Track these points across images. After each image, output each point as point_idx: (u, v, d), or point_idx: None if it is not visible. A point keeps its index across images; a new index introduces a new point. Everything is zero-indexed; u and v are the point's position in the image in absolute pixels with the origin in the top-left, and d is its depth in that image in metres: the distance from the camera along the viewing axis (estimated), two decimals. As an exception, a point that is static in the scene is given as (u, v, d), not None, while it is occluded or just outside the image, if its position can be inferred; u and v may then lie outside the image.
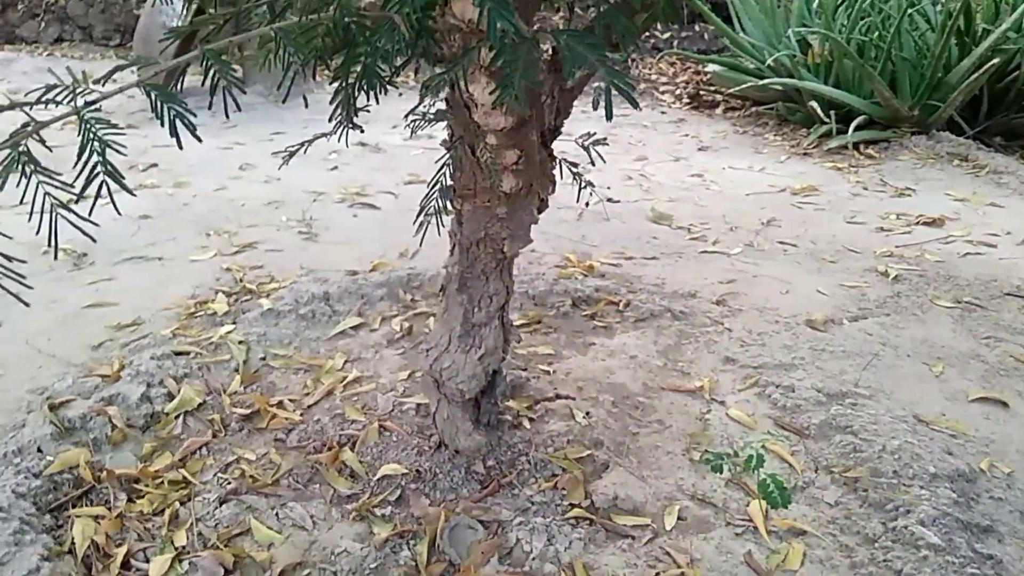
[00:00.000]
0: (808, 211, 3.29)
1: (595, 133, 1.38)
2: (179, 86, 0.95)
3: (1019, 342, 2.14)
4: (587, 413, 1.72)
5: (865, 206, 3.36)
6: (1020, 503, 1.52)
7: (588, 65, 0.76)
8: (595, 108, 0.82)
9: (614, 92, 0.77)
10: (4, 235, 0.83)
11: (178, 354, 1.91)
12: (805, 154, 4.22)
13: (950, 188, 3.60)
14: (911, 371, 1.98)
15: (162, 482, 1.51)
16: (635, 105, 0.73)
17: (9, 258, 0.81)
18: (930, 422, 1.75)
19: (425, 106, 1.20)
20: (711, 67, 5.33)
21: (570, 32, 0.78)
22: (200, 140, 0.83)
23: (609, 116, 0.74)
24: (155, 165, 3.64)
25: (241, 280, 2.37)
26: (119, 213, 0.86)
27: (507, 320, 1.46)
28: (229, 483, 1.51)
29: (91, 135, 0.80)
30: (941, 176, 3.80)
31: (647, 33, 6.08)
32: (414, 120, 1.15)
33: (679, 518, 1.44)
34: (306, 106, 1.12)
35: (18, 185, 0.81)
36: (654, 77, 6.01)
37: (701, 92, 5.53)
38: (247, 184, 3.44)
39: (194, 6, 1.12)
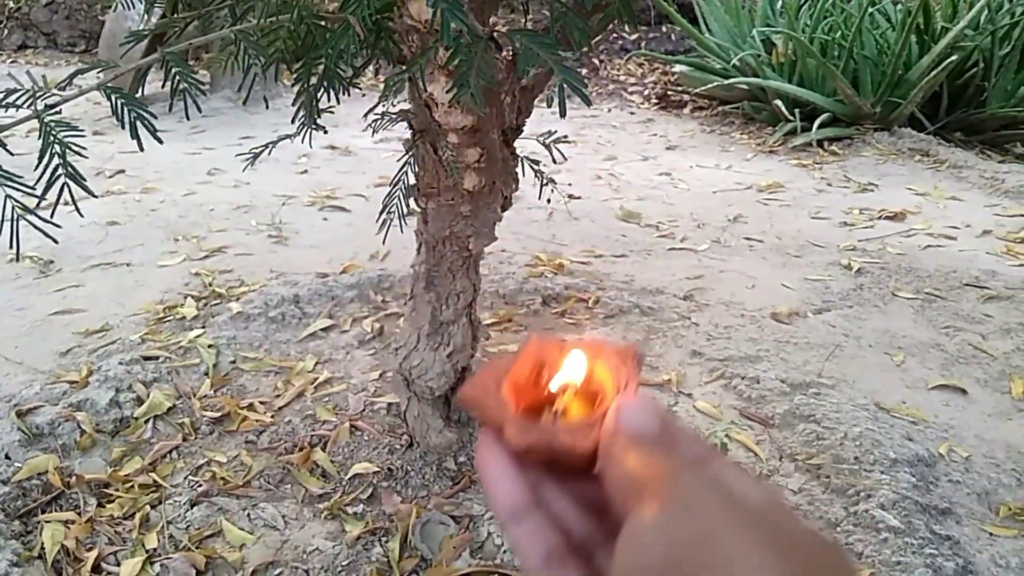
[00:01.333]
0: (774, 207, 3.34)
1: (556, 132, 1.40)
2: (141, 91, 0.96)
3: (978, 331, 2.20)
4: (557, 408, 1.74)
5: (829, 202, 3.43)
6: (977, 486, 1.56)
7: (541, 63, 0.78)
8: (549, 106, 0.84)
9: (568, 91, 0.79)
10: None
11: (147, 359, 1.91)
12: (771, 152, 4.29)
13: (912, 183, 3.68)
14: (873, 361, 2.02)
15: (132, 486, 1.51)
16: (587, 102, 0.75)
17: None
18: (891, 409, 1.80)
19: (389, 106, 1.21)
20: (678, 68, 5.39)
21: (524, 32, 0.81)
22: (161, 142, 0.84)
23: (563, 113, 0.77)
24: (122, 171, 3.61)
25: (210, 284, 2.37)
26: (81, 215, 0.86)
27: (475, 318, 1.48)
28: (200, 485, 1.51)
29: (52, 138, 0.81)
30: (903, 171, 3.88)
31: (615, 35, 6.14)
32: (375, 119, 1.16)
33: (647, 508, 1.46)
34: (267, 107, 1.13)
35: (-21, 188, 0.81)
36: (622, 78, 6.06)
37: (669, 92, 5.59)
38: (216, 189, 3.42)
39: (156, 10, 1.12)
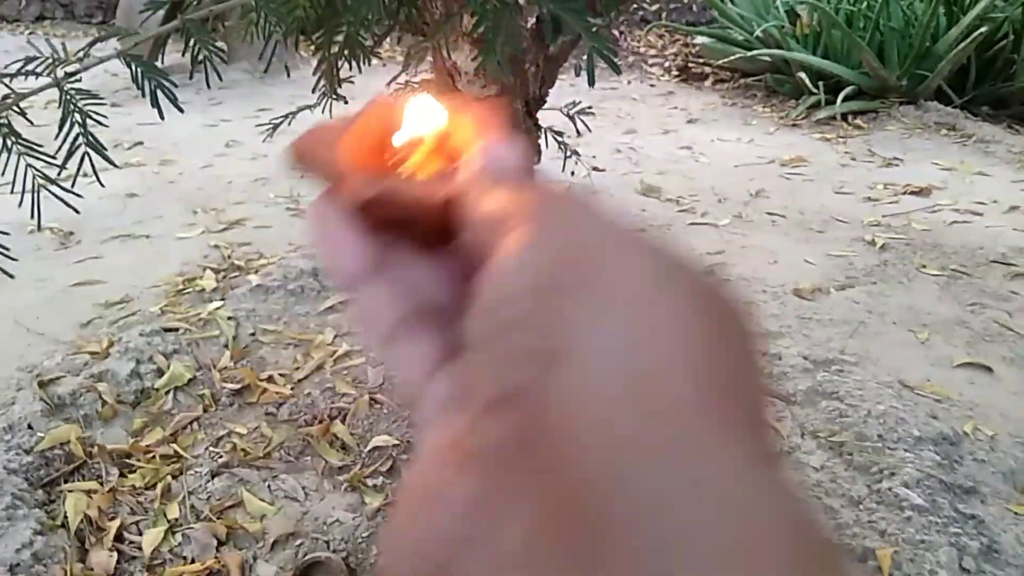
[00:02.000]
0: (796, 182, 3.29)
1: (579, 103, 1.38)
2: (161, 60, 0.95)
3: (1004, 308, 2.16)
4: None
5: (853, 176, 3.37)
6: (1002, 464, 1.54)
7: (570, 31, 0.76)
8: (577, 74, 0.82)
9: (596, 59, 0.77)
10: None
11: (167, 331, 1.91)
12: (794, 125, 4.22)
13: (937, 157, 3.61)
14: (897, 338, 2.00)
15: (153, 457, 1.52)
16: (617, 71, 0.73)
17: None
18: (915, 387, 1.77)
19: (410, 76, 1.19)
20: (699, 39, 5.31)
21: (551, -2, 0.78)
22: (182, 111, 0.83)
23: (591, 82, 0.74)
24: (140, 143, 3.61)
25: (229, 257, 2.37)
26: (103, 185, 0.86)
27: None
28: (220, 457, 1.52)
29: (72, 107, 0.80)
30: (929, 146, 3.80)
31: (635, 5, 6.04)
32: (397, 88, 1.15)
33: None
34: (288, 76, 1.11)
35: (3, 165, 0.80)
36: (642, 50, 5.98)
37: (690, 64, 5.51)
38: (234, 161, 3.42)
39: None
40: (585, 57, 0.78)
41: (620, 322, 0.21)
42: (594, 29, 0.76)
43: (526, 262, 0.23)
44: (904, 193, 3.14)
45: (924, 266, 2.41)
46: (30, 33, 6.68)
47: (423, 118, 0.33)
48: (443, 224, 0.30)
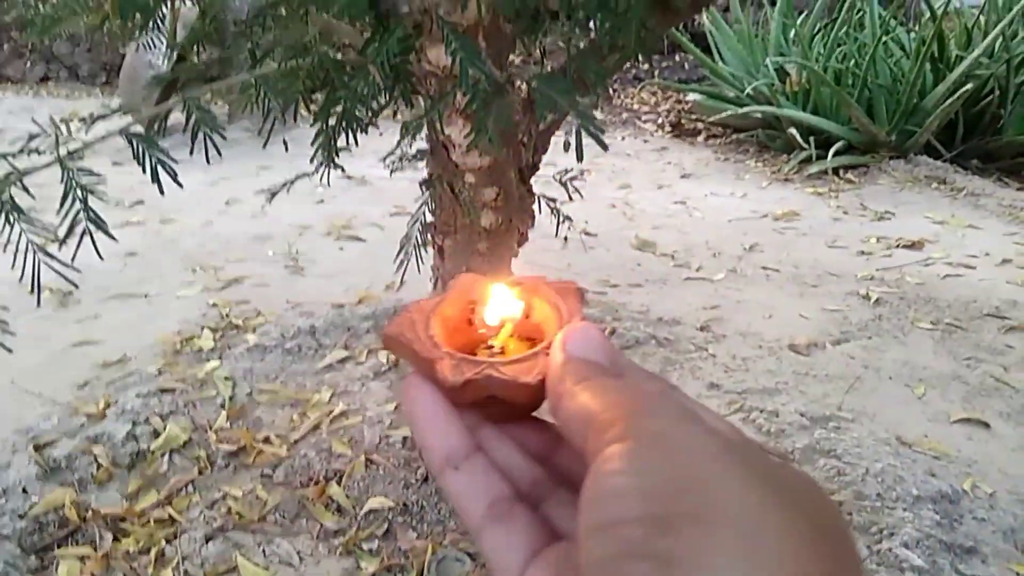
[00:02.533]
0: (790, 236, 3.33)
1: (571, 165, 1.41)
2: (162, 131, 0.97)
3: (999, 362, 2.17)
4: (573, 442, 1.73)
5: (846, 230, 3.41)
6: (1002, 523, 1.54)
7: (559, 109, 0.78)
8: (566, 150, 0.85)
9: (584, 134, 0.79)
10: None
11: (164, 391, 1.91)
12: (786, 180, 4.28)
13: (929, 211, 3.66)
14: (893, 393, 2.00)
15: (148, 520, 1.51)
16: (603, 147, 0.76)
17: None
18: (913, 444, 1.77)
19: (406, 145, 1.22)
20: (692, 96, 5.41)
21: (541, 77, 0.81)
22: (181, 186, 0.85)
23: (580, 158, 0.77)
24: (141, 202, 3.65)
25: (227, 315, 2.38)
26: (100, 257, 0.87)
27: (491, 352, 1.47)
28: (215, 520, 1.51)
29: (73, 183, 0.82)
30: (920, 199, 3.86)
31: (628, 64, 6.17)
32: (393, 161, 1.17)
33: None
34: (286, 150, 1.14)
35: (1, 232, 0.82)
36: (636, 106, 6.09)
37: (682, 120, 5.61)
38: (233, 219, 3.46)
39: (175, 54, 1.14)
40: (574, 131, 0.81)
41: (730, 558, 0.22)
42: (582, 107, 0.78)
43: (629, 489, 0.24)
44: (897, 247, 3.17)
45: (919, 320, 2.43)
46: (34, 94, 6.80)
47: (504, 298, 0.36)
48: (529, 403, 0.33)
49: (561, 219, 1.38)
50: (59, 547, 1.44)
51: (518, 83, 1.00)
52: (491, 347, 0.35)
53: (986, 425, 1.87)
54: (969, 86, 4.03)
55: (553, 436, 0.33)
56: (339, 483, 1.61)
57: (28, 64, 7.26)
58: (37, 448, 1.66)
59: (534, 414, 0.34)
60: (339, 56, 0.96)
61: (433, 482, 1.56)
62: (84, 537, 1.47)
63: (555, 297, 0.35)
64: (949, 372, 2.11)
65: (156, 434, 1.75)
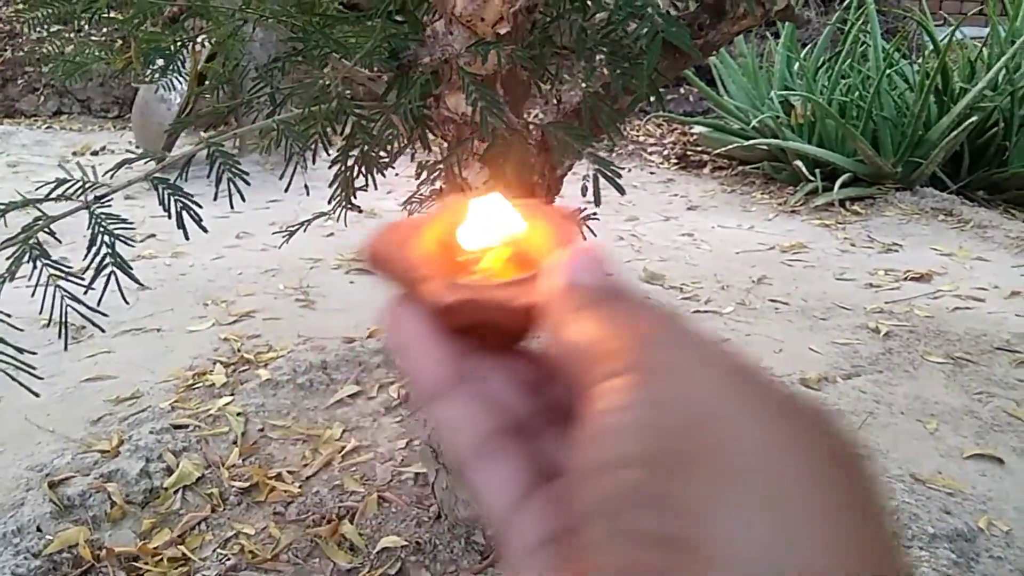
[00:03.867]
0: (798, 268, 3.34)
1: (585, 207, 1.42)
2: (185, 177, 0.99)
3: (1011, 397, 2.16)
4: (585, 479, 1.73)
5: (853, 262, 3.41)
6: (1020, 561, 1.52)
7: (575, 154, 0.80)
8: (583, 195, 0.86)
9: (601, 179, 0.81)
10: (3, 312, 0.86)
11: (177, 427, 1.92)
12: (793, 212, 4.30)
13: (936, 243, 3.67)
14: (906, 429, 1.99)
15: (161, 559, 1.50)
16: (621, 191, 0.77)
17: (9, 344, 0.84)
18: (927, 480, 1.76)
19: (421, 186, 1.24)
20: (697, 128, 5.45)
21: (557, 123, 0.83)
22: (206, 231, 0.87)
23: (597, 202, 0.78)
24: (153, 236, 3.68)
25: (239, 350, 2.39)
26: (126, 301, 0.89)
27: (504, 389, 1.48)
28: (228, 559, 1.50)
29: (101, 228, 0.84)
30: (927, 231, 3.87)
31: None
32: (411, 202, 1.19)
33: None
34: (307, 194, 1.16)
35: (30, 276, 0.84)
36: (642, 138, 6.14)
37: (688, 152, 5.65)
38: (244, 252, 3.48)
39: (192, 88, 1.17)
40: (590, 176, 0.82)
41: (749, 508, 0.20)
42: (598, 152, 0.80)
43: (637, 423, 0.22)
44: (905, 279, 3.17)
45: (929, 354, 2.42)
46: (47, 128, 6.89)
47: (495, 219, 0.33)
48: (521, 330, 0.30)
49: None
50: (72, 586, 1.44)
51: (531, 127, 1.02)
52: (482, 270, 0.32)
53: (1000, 461, 1.86)
54: (974, 118, 4.06)
55: (548, 367, 0.31)
56: (352, 521, 1.60)
57: (42, 98, 7.37)
58: (51, 486, 1.66)
59: (528, 343, 0.32)
60: (359, 101, 0.98)
61: (445, 520, 1.56)
62: (97, 576, 1.47)
63: (550, 219, 0.32)
64: (961, 407, 2.10)
65: (169, 471, 1.76)
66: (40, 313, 0.91)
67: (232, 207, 0.90)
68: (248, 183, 0.89)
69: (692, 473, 0.20)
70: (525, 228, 0.32)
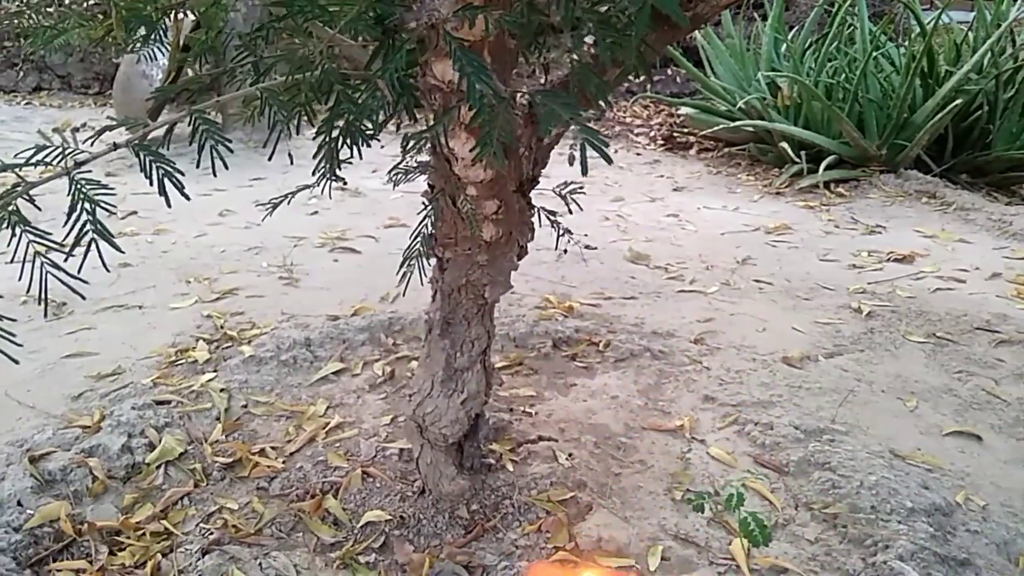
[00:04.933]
0: (782, 249, 3.35)
1: (569, 178, 1.42)
2: (167, 142, 0.98)
3: (990, 375, 2.19)
4: (570, 455, 1.74)
5: (837, 244, 3.43)
6: (996, 535, 1.54)
7: (562, 123, 0.79)
8: (571, 164, 0.86)
9: (588, 148, 0.80)
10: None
11: (159, 403, 1.91)
12: (778, 193, 4.31)
13: (919, 225, 3.69)
14: (886, 406, 2.01)
15: (144, 534, 1.50)
16: (608, 161, 0.77)
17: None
18: (906, 456, 1.78)
19: (409, 159, 1.23)
20: (684, 110, 5.45)
21: (545, 91, 0.82)
22: (188, 198, 0.85)
23: (584, 171, 0.78)
24: (135, 212, 3.64)
25: (222, 327, 2.38)
26: (107, 269, 0.88)
27: (489, 364, 1.48)
28: (211, 533, 1.50)
29: (81, 195, 0.82)
30: (910, 213, 3.89)
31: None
32: (396, 173, 1.18)
33: (663, 558, 1.45)
34: (291, 163, 1.14)
35: (9, 243, 0.82)
36: (628, 120, 6.13)
37: (675, 134, 5.65)
38: (227, 230, 3.45)
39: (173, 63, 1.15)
40: (577, 146, 0.82)
41: None
42: (586, 121, 0.79)
43: None
44: (888, 260, 3.19)
45: (910, 333, 2.44)
46: (27, 104, 6.78)
47: None
48: None
49: (561, 232, 1.39)
50: (54, 561, 1.43)
51: (519, 96, 1.01)
52: None
53: (978, 438, 1.88)
54: (958, 101, 4.08)
55: None
56: (336, 496, 1.60)
57: (21, 74, 7.25)
58: (32, 461, 1.65)
59: None
60: (344, 70, 0.96)
61: (430, 495, 1.56)
62: (79, 551, 1.46)
63: None
64: (941, 385, 2.13)
65: (151, 447, 1.75)
66: (20, 284, 0.89)
67: (215, 177, 0.89)
68: (231, 150, 0.88)
69: None
70: None
